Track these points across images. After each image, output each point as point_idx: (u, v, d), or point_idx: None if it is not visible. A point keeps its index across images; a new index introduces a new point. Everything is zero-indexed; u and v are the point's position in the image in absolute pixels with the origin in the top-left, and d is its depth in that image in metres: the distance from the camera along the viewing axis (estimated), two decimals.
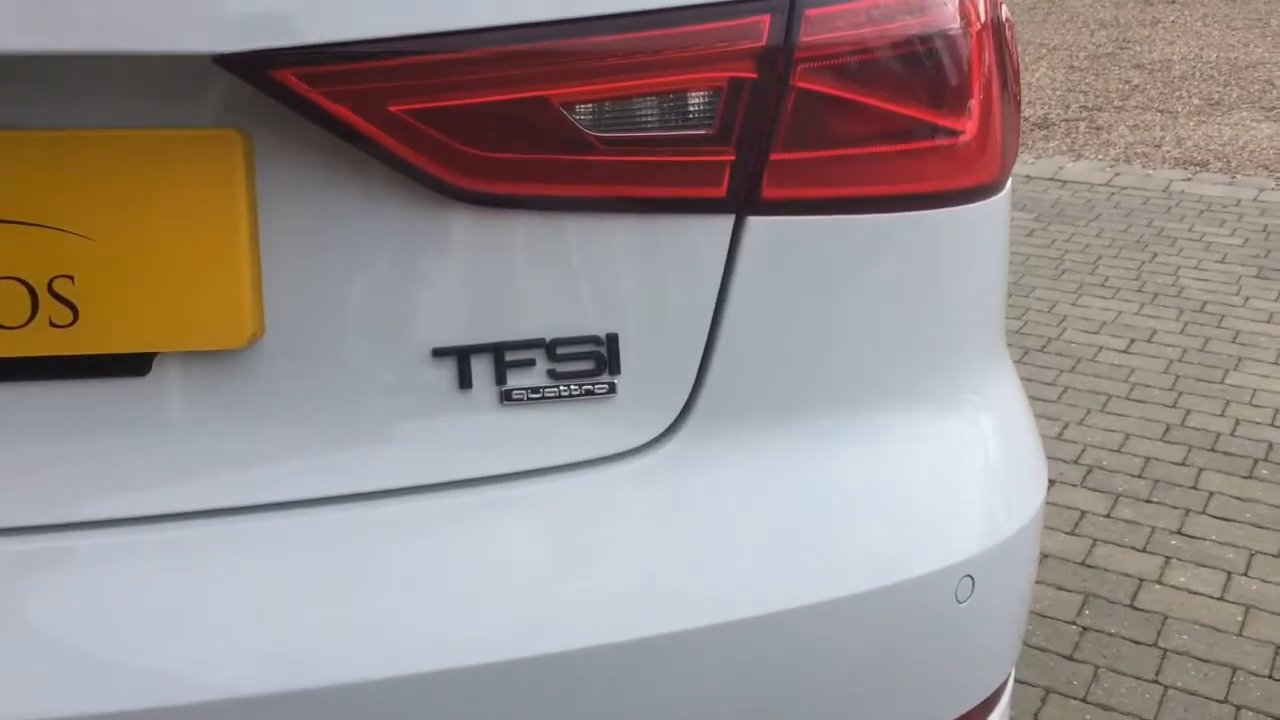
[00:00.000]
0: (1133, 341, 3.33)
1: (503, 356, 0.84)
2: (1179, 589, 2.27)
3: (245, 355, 0.81)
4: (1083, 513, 2.52)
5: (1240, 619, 2.18)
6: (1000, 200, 0.98)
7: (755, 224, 0.85)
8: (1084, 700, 1.99)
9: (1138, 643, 2.13)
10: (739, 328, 0.87)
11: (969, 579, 0.93)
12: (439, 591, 0.82)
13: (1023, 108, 5.84)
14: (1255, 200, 4.48)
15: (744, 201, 0.84)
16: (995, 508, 0.98)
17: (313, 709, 0.79)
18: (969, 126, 0.91)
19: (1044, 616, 2.19)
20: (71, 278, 0.75)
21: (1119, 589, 2.27)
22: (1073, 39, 7.50)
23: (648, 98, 0.80)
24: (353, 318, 0.82)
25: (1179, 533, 2.45)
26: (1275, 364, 3.18)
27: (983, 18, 0.93)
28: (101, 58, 0.71)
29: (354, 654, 0.80)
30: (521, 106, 0.78)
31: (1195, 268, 3.84)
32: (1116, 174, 4.85)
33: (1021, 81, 6.23)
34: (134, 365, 0.79)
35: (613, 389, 0.86)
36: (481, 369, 0.84)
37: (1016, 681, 1.98)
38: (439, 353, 0.83)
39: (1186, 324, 3.43)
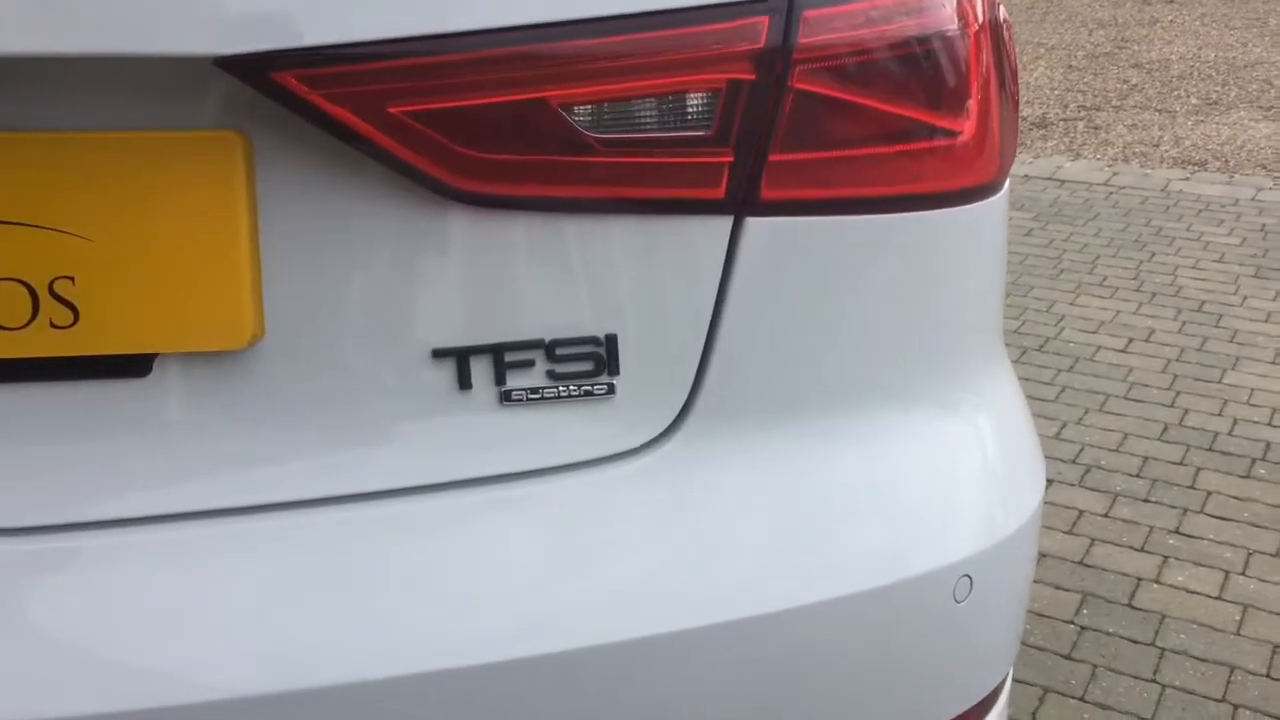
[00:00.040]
0: (1131, 341, 3.34)
1: (502, 357, 0.84)
2: (1177, 588, 2.28)
3: (245, 356, 0.81)
4: (1081, 512, 2.53)
5: (1238, 618, 2.19)
6: (998, 200, 0.98)
7: (754, 225, 0.85)
8: (1082, 699, 2.00)
9: (1136, 642, 2.13)
10: (738, 328, 0.87)
11: (967, 579, 0.93)
12: (439, 591, 0.83)
13: (1021, 107, 5.84)
14: (1253, 200, 4.49)
15: (742, 202, 0.84)
16: (993, 508, 0.98)
17: (313, 709, 0.79)
18: (967, 127, 0.91)
19: (1042, 616, 2.20)
20: (72, 279, 0.76)
21: (1117, 588, 2.28)
22: (1071, 38, 7.51)
23: (646, 99, 0.81)
24: (352, 319, 0.82)
25: (1177, 532, 2.45)
26: (1273, 363, 3.18)
27: (980, 18, 0.93)
28: (102, 60, 0.71)
29: (354, 654, 0.80)
30: (521, 108, 0.78)
31: (1193, 267, 3.85)
32: (1115, 173, 4.85)
33: (1019, 81, 6.23)
34: (134, 366, 0.80)
35: (612, 389, 0.86)
36: (481, 370, 0.84)
37: (1015, 680, 1.99)
38: (439, 353, 0.83)
39: (1184, 323, 3.44)
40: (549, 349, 0.85)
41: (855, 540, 0.91)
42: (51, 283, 0.76)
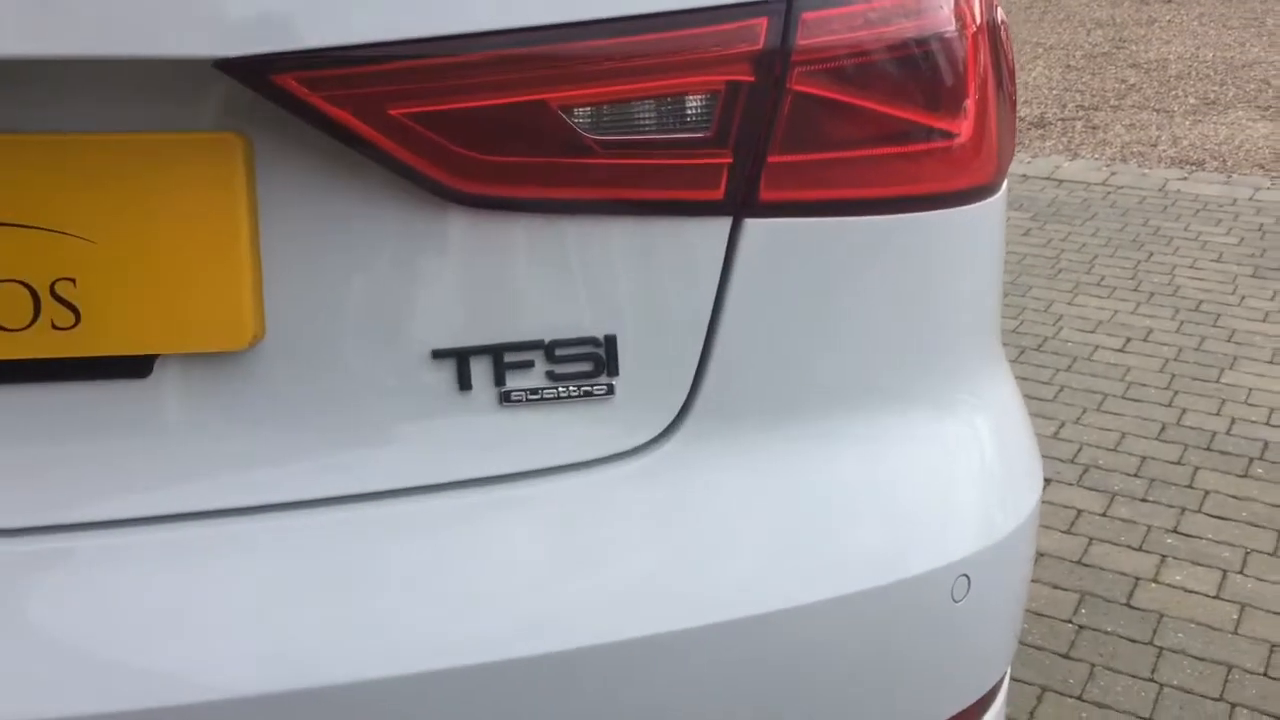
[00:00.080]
0: (1129, 340, 3.34)
1: (502, 358, 0.84)
2: (1175, 587, 2.28)
3: (246, 357, 0.81)
4: (1079, 511, 2.53)
5: (1235, 617, 2.19)
6: (996, 202, 0.98)
7: (752, 226, 0.85)
8: (1080, 698, 2.00)
9: (1133, 641, 2.13)
10: (736, 329, 0.87)
11: (965, 578, 0.94)
12: (439, 591, 0.83)
13: (1019, 107, 5.85)
14: (1251, 199, 4.49)
15: (741, 204, 0.84)
16: (991, 508, 0.99)
17: (314, 709, 0.79)
18: (965, 128, 0.91)
19: (1040, 615, 2.20)
20: (73, 280, 0.76)
21: (1115, 587, 2.28)
22: (1069, 38, 7.51)
23: (645, 101, 0.81)
24: (353, 320, 0.82)
25: (1175, 531, 2.46)
26: (1271, 363, 3.19)
27: (978, 20, 0.93)
28: (102, 62, 0.71)
29: (355, 653, 0.80)
30: (520, 110, 0.78)
31: (1191, 267, 3.85)
32: (1113, 173, 4.86)
33: (1018, 81, 6.24)
34: (136, 367, 0.80)
35: (611, 390, 0.86)
36: (481, 370, 0.84)
37: (1013, 680, 1.99)
38: (439, 354, 0.84)
39: (1182, 323, 3.44)
40: (548, 350, 0.85)
41: (854, 540, 0.91)
42: (53, 284, 0.76)
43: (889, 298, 0.92)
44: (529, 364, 0.85)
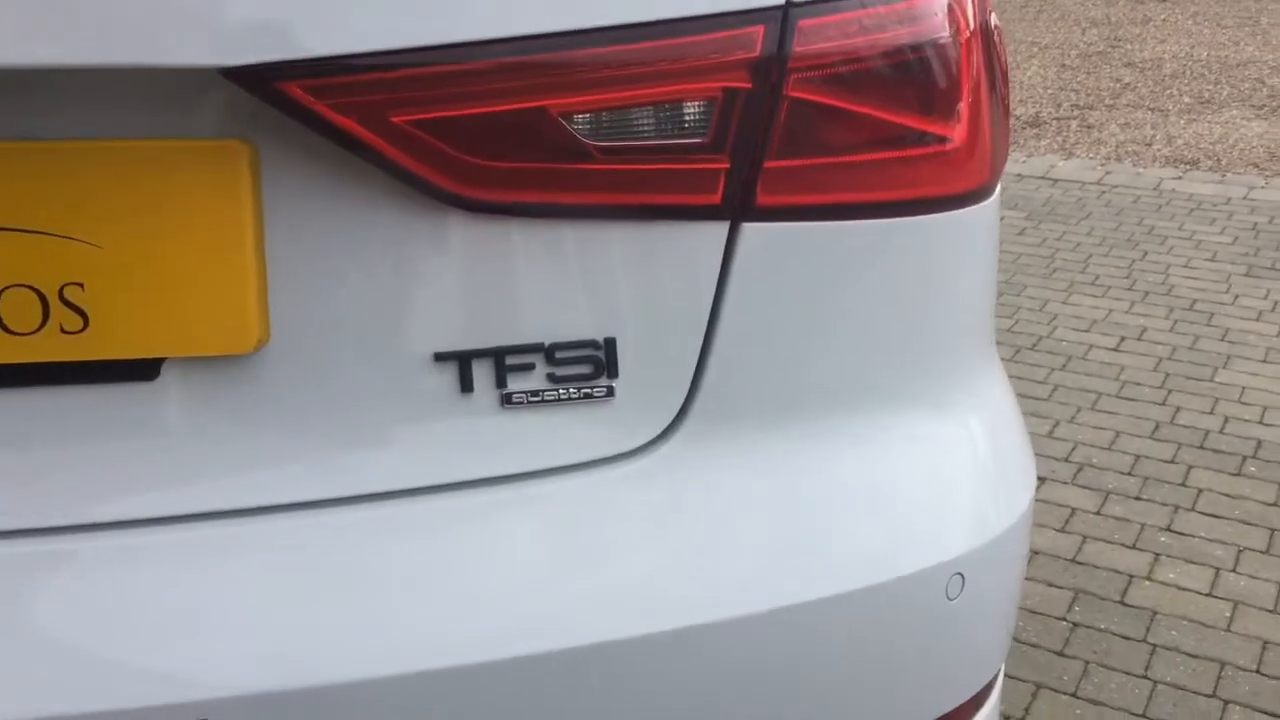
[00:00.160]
0: (1123, 340, 3.35)
1: (503, 361, 0.85)
2: (1168, 585, 2.30)
3: (251, 361, 0.82)
4: (1073, 510, 2.55)
5: (1228, 615, 2.21)
6: (990, 205, 0.99)
7: (750, 230, 0.86)
8: (1074, 695, 2.02)
9: (1127, 638, 2.15)
10: (734, 332, 0.88)
11: (959, 576, 0.95)
12: (441, 591, 0.84)
13: (1014, 106, 5.86)
14: (1245, 199, 4.51)
15: (738, 208, 0.86)
16: (985, 506, 1.00)
17: (317, 707, 0.80)
18: (959, 133, 0.92)
19: (1034, 613, 2.22)
20: (81, 285, 0.77)
21: (1109, 585, 2.30)
22: (1064, 37, 7.52)
23: (644, 107, 0.82)
24: (356, 323, 0.83)
25: (1168, 529, 2.47)
26: (1264, 362, 3.20)
27: (971, 25, 0.94)
28: (109, 70, 0.73)
29: (358, 652, 0.81)
30: (521, 116, 0.79)
31: (1185, 266, 3.87)
32: (1107, 172, 4.87)
33: (1013, 80, 6.25)
34: (143, 370, 0.81)
35: (611, 392, 0.88)
36: (482, 373, 0.86)
37: (1008, 677, 2.00)
38: (440, 357, 0.85)
39: (1176, 322, 3.46)
40: (549, 352, 0.86)
41: (850, 539, 0.93)
42: (61, 289, 0.77)
43: (884, 300, 0.93)
44: (530, 366, 0.86)
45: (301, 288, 0.82)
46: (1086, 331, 3.41)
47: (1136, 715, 1.97)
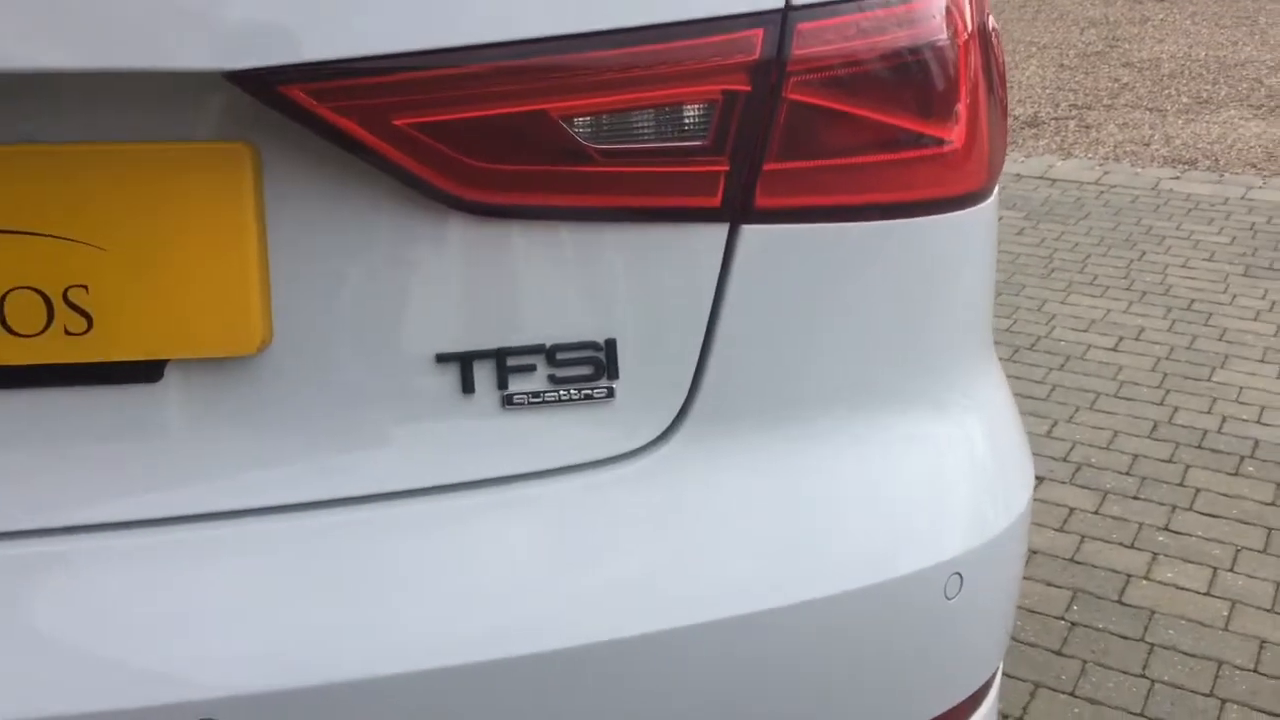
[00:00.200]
0: (1121, 339, 3.36)
1: (504, 362, 0.86)
2: (1166, 584, 2.30)
3: (254, 362, 0.83)
4: (1071, 509, 2.55)
5: (1226, 614, 2.21)
6: (988, 206, 1.00)
7: (749, 232, 0.87)
8: (1072, 694, 2.02)
9: (1125, 638, 2.15)
10: (734, 333, 0.89)
11: (957, 576, 0.95)
12: (443, 590, 0.84)
13: (1013, 106, 5.86)
14: (1243, 199, 4.51)
15: (738, 210, 0.86)
16: (983, 506, 1.00)
17: (317, 706, 0.81)
18: (957, 135, 0.93)
19: (1033, 612, 2.22)
20: (86, 287, 0.78)
21: (1107, 585, 2.30)
22: (1062, 37, 7.53)
23: (644, 110, 0.82)
24: (358, 325, 0.84)
25: (1166, 529, 2.48)
26: (1261, 361, 3.21)
27: (969, 27, 0.95)
28: (115, 74, 0.73)
29: (360, 652, 0.82)
30: (522, 120, 0.80)
31: (1183, 266, 3.87)
32: (1106, 172, 4.88)
33: (1011, 80, 6.25)
34: (146, 372, 0.82)
35: (611, 393, 0.88)
36: (484, 374, 0.86)
37: (1006, 676, 2.01)
38: (442, 358, 0.85)
39: (1174, 322, 3.46)
40: (550, 354, 0.87)
41: (849, 539, 0.93)
42: (66, 291, 0.77)
43: (883, 301, 0.94)
44: (531, 368, 0.87)
45: (304, 289, 0.82)
46: (1085, 331, 3.41)
47: (1134, 714, 1.97)
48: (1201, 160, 5.03)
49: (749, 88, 0.83)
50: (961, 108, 0.93)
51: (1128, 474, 2.68)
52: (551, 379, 0.87)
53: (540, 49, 0.79)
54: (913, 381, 0.98)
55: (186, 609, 0.82)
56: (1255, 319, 3.47)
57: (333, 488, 0.85)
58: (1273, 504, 2.56)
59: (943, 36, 0.91)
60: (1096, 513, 2.54)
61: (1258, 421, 2.90)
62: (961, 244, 0.98)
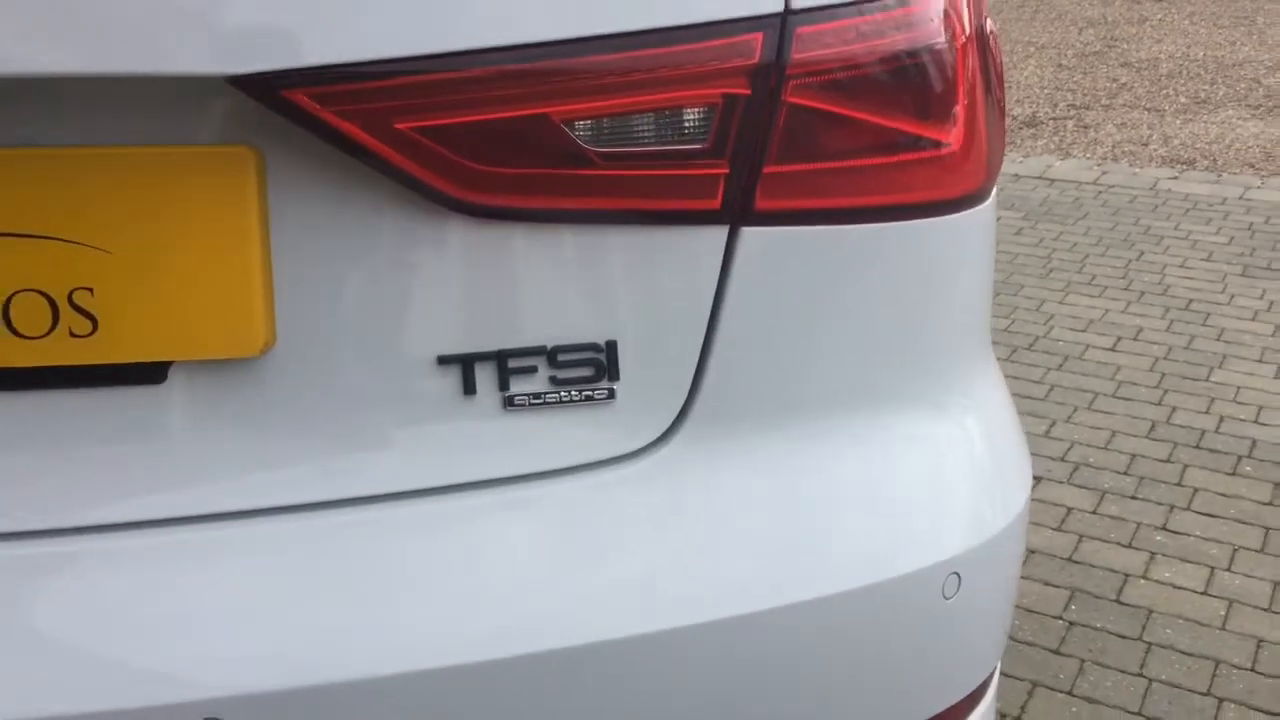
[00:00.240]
0: (1119, 339, 3.37)
1: (506, 363, 0.87)
2: (1163, 584, 2.31)
3: (258, 364, 0.84)
4: (1069, 509, 2.56)
5: (1223, 613, 2.22)
6: (986, 208, 1.00)
7: (749, 234, 0.87)
8: (1070, 693, 2.03)
9: (1123, 637, 2.16)
10: (734, 334, 0.89)
11: (955, 576, 0.96)
12: (445, 591, 0.85)
13: (1011, 106, 5.87)
14: (1241, 198, 4.52)
15: (738, 212, 0.87)
16: (981, 506, 1.01)
17: (320, 706, 0.81)
18: (955, 138, 0.93)
19: (1031, 611, 2.23)
20: (91, 290, 0.78)
21: (1105, 584, 2.31)
22: (1061, 37, 7.54)
23: (645, 114, 0.83)
24: (361, 327, 0.84)
25: (1164, 529, 2.49)
26: (1259, 361, 3.22)
27: (967, 30, 0.95)
28: (118, 79, 0.74)
29: (365, 651, 0.82)
30: (523, 123, 0.80)
31: (1181, 266, 3.88)
32: (1104, 172, 4.89)
33: (1009, 80, 6.25)
34: (151, 374, 0.82)
35: (612, 394, 0.89)
36: (485, 376, 0.87)
37: (1004, 675, 2.02)
38: (444, 360, 0.86)
39: (1172, 322, 3.47)
40: (551, 355, 0.87)
41: (848, 539, 0.94)
42: (71, 293, 0.78)
43: (882, 303, 0.94)
44: (532, 369, 0.87)
45: (307, 292, 0.83)
46: (1083, 331, 3.42)
47: (1132, 713, 1.98)
48: (1200, 160, 5.03)
49: (749, 91, 0.84)
50: (959, 110, 0.93)
51: (1126, 474, 2.69)
52: (553, 380, 0.88)
53: (542, 53, 0.79)
54: (911, 382, 0.98)
55: (192, 609, 0.82)
56: (1253, 319, 3.48)
57: (336, 489, 0.86)
58: (1270, 504, 2.57)
59: (940, 40, 0.91)
60: (1094, 512, 2.55)
61: (1255, 421, 2.90)
62: (959, 246, 0.98)
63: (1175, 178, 4.79)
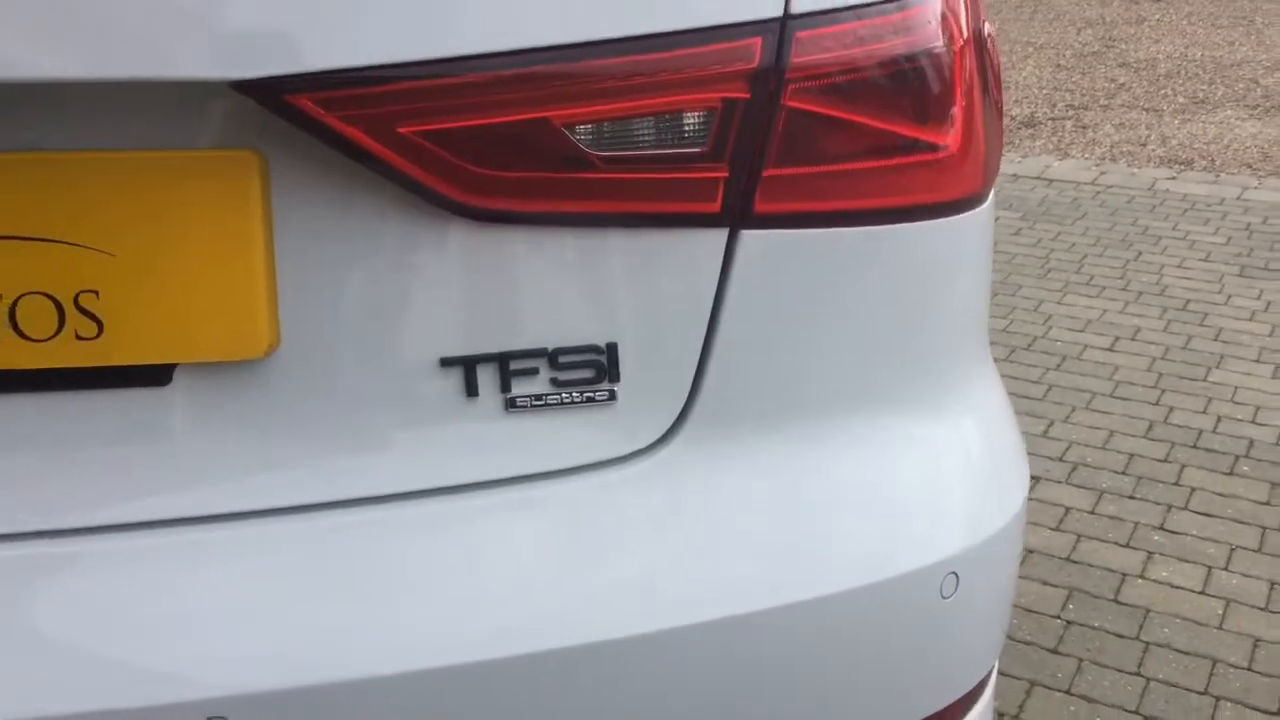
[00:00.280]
0: (1117, 340, 3.37)
1: (507, 365, 0.87)
2: (1161, 583, 2.32)
3: (262, 366, 0.84)
4: (1067, 509, 2.56)
5: (1220, 612, 2.23)
6: (984, 210, 1.01)
7: (748, 237, 0.88)
8: (1068, 692, 2.04)
9: (1120, 636, 2.17)
10: (733, 336, 0.90)
11: (953, 575, 0.96)
12: (446, 591, 0.86)
13: (1009, 106, 5.87)
14: (1239, 199, 4.53)
15: (737, 216, 0.87)
16: (979, 507, 1.02)
17: (321, 706, 0.82)
18: (953, 141, 0.94)
19: (1029, 611, 2.24)
20: (96, 293, 0.79)
21: (1102, 584, 2.32)
22: (1059, 37, 7.54)
23: (645, 118, 0.84)
24: (364, 329, 0.85)
25: (1161, 528, 2.49)
26: (1257, 362, 3.22)
27: (965, 33, 0.96)
28: (121, 84, 0.74)
29: (367, 650, 0.83)
30: (524, 127, 0.81)
31: (1179, 266, 3.89)
32: (1102, 173, 4.89)
33: (1008, 80, 6.26)
34: (156, 376, 0.83)
35: (612, 396, 0.89)
36: (487, 377, 0.87)
37: (1002, 674, 2.02)
38: (446, 362, 0.86)
39: (1170, 322, 3.48)
40: (552, 357, 0.88)
41: (847, 539, 0.94)
42: (76, 296, 0.79)
43: (881, 305, 0.95)
44: (533, 371, 0.88)
45: (310, 294, 0.83)
46: (1081, 331, 3.43)
47: (1130, 712, 1.99)
48: (1198, 160, 5.04)
49: (748, 95, 0.85)
50: (957, 113, 0.94)
51: (1123, 473, 2.70)
52: (554, 382, 0.88)
53: (543, 58, 0.80)
54: (910, 384, 0.99)
55: (194, 609, 0.83)
56: (1250, 319, 3.49)
57: (339, 490, 0.87)
58: (1267, 503, 2.57)
59: (938, 44, 0.92)
60: (1092, 512, 2.55)
61: (1253, 421, 2.91)
62: (957, 248, 0.99)
63: (1173, 178, 4.79)
